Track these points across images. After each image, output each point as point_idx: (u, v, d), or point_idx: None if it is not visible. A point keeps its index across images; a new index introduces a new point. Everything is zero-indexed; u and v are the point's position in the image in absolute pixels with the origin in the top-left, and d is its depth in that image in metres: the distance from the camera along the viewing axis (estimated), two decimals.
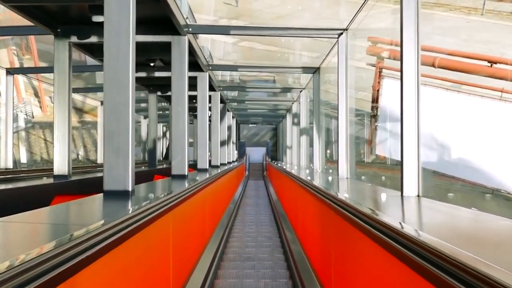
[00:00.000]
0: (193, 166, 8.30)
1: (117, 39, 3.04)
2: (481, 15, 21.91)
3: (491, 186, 11.09)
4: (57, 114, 5.46)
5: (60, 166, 5.46)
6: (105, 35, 3.05)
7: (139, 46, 6.59)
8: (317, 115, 7.84)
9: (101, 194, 3.04)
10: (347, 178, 5.47)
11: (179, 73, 5.37)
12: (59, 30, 5.48)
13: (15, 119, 19.25)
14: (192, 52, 6.44)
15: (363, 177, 5.42)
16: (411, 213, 2.59)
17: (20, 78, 22.54)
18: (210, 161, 10.29)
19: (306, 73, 8.07)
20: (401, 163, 3.08)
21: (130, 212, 2.39)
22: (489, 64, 14.59)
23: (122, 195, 3.00)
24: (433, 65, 12.59)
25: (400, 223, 2.02)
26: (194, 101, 7.93)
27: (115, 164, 3.03)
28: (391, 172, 6.88)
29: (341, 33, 5.56)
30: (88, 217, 2.48)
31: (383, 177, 6.63)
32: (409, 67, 3.14)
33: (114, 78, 3.05)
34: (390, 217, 2.17)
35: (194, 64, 7.42)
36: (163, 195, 3.16)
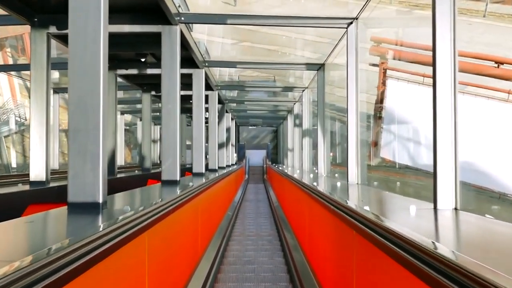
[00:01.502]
0: (191, 169, 7.73)
1: (85, 14, 2.47)
2: (483, 17, 21.64)
3: (498, 191, 10.57)
4: (33, 113, 4.90)
5: (37, 171, 4.90)
6: (70, 9, 2.49)
7: (127, 38, 6.04)
8: (321, 115, 7.27)
9: (65, 208, 2.47)
10: (357, 184, 4.90)
11: (170, 66, 4.80)
12: (36, 19, 4.92)
13: (6, 122, 18.68)
14: (185, 45, 5.88)
15: (375, 182, 4.84)
16: (455, 232, 2.02)
17: (16, 80, 22.01)
18: (207, 164, 9.74)
19: (310, 70, 7.50)
20: (434, 171, 2.51)
21: (96, 232, 1.83)
22: (496, 65, 14.07)
23: (91, 209, 2.43)
24: None
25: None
26: (191, 101, 7.36)
27: (82, 170, 2.47)
28: (402, 176, 6.30)
29: (351, 23, 5.00)
30: (39, 239, 1.91)
31: (397, 183, 6.04)
32: (443, 66, 2.59)
33: (80, 62, 2.49)
34: (439, 245, 1.60)
35: (189, 60, 6.86)
36: (143, 207, 2.59)
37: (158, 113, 14.30)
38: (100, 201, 2.46)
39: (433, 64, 2.64)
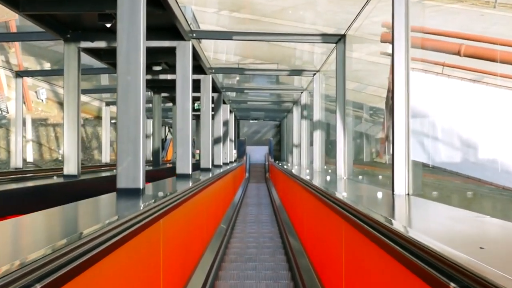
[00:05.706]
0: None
1: None
2: (494, 8, 21.19)
3: None
4: None
5: None
6: None
7: None
8: (341, 101, 5.68)
9: None
10: (407, 195, 3.32)
11: (130, 14, 3.20)
12: None
13: None
14: (161, 2, 4.29)
15: (434, 192, 3.24)
16: None
17: (2, 72, 20.55)
18: (199, 163, 8.18)
19: (326, 43, 5.89)
20: None
21: None
22: None
23: None
24: (458, 53, 10.81)
25: None
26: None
27: None
28: (447, 178, 4.71)
29: None
30: None
31: (468, 193, 4.40)
32: None
33: None
34: None
35: (171, 29, 5.29)
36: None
37: (150, 105, 12.61)
38: None
39: None
